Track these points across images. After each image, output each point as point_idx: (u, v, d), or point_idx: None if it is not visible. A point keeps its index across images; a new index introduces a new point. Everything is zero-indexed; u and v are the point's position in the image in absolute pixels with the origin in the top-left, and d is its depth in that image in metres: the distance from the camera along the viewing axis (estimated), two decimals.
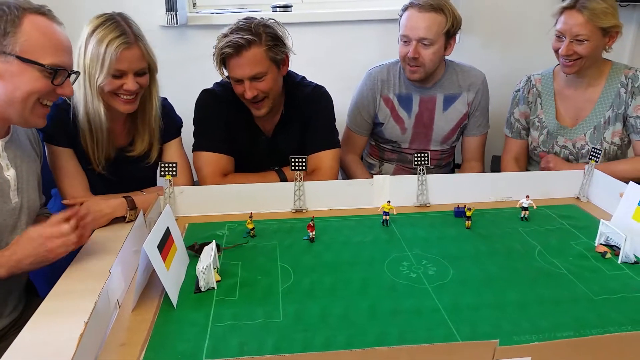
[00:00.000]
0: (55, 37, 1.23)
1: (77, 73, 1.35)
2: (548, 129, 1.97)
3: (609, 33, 1.79)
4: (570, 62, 1.82)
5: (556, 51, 1.85)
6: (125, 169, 1.64)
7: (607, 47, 1.83)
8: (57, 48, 1.23)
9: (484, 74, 2.04)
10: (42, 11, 1.23)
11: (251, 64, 1.60)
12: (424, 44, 1.85)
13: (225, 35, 1.62)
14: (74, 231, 1.22)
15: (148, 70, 1.53)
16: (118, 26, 1.45)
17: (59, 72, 1.23)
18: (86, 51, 1.45)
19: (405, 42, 1.88)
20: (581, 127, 1.92)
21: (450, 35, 1.89)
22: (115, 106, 1.52)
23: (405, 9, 1.89)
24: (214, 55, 1.65)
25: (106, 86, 1.47)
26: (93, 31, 1.45)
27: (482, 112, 2.06)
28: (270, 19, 1.68)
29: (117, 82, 1.47)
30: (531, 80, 2.02)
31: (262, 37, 1.61)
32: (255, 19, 1.65)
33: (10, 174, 1.30)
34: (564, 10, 1.81)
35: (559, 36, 1.82)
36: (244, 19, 1.65)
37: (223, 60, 1.64)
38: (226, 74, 1.69)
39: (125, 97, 1.50)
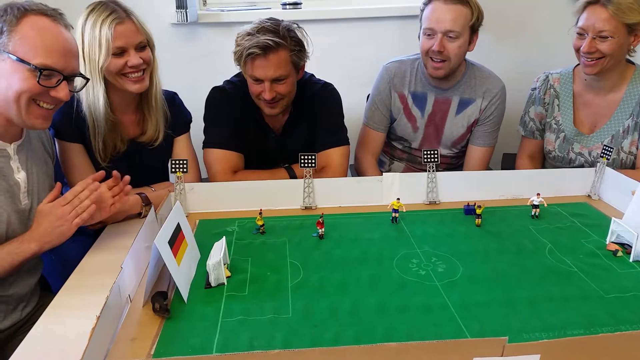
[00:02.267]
0: (52, 39, 1.21)
1: (87, 79, 1.36)
2: (565, 134, 1.91)
3: (634, 31, 1.71)
4: (592, 61, 1.73)
5: (577, 50, 1.77)
6: (137, 159, 1.65)
7: (631, 48, 1.75)
8: (51, 49, 1.21)
9: (503, 83, 1.96)
10: (47, 13, 1.23)
11: (275, 66, 1.60)
12: (450, 37, 1.78)
13: (250, 34, 1.60)
14: (87, 198, 1.28)
15: (149, 45, 1.55)
16: (107, 7, 1.48)
17: (50, 74, 1.21)
18: (83, 39, 1.48)
19: (429, 35, 1.82)
20: (598, 134, 1.86)
21: (474, 30, 1.84)
22: (126, 88, 1.52)
23: (429, 1, 1.83)
24: (236, 52, 1.64)
25: (111, 67, 1.48)
26: (86, 19, 1.48)
27: (493, 123, 1.97)
28: (294, 23, 1.68)
29: (120, 60, 1.48)
30: (549, 80, 1.94)
31: (288, 41, 1.61)
32: (280, 21, 1.65)
33: (20, 176, 1.32)
34: (587, 5, 1.73)
35: (581, 33, 1.74)
36: (269, 19, 1.64)
37: (246, 58, 1.62)
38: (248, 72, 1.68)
39: (133, 75, 1.51)
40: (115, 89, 1.54)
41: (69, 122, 1.54)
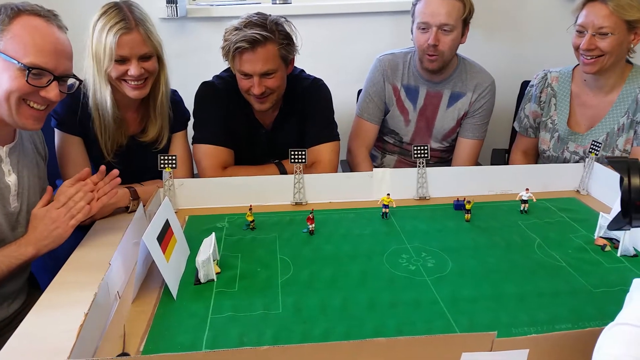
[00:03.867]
0: (43, 38, 1.21)
1: (80, 80, 1.35)
2: (559, 134, 1.90)
3: (634, 29, 1.70)
4: (592, 59, 1.71)
5: (577, 49, 1.75)
6: (137, 156, 1.65)
7: (631, 47, 1.74)
8: (41, 48, 1.20)
9: (493, 78, 1.98)
10: (41, 13, 1.22)
11: (263, 60, 1.60)
12: (445, 30, 1.81)
13: (237, 29, 1.60)
14: (81, 199, 1.28)
15: (156, 55, 1.54)
16: (119, 13, 1.47)
17: (40, 73, 1.20)
18: (92, 40, 1.49)
19: (423, 29, 1.84)
20: (593, 133, 1.85)
21: (466, 23, 1.87)
22: (125, 92, 1.53)
23: None
24: (223, 47, 1.64)
25: (112, 72, 1.49)
26: (97, 20, 1.48)
27: (481, 116, 2.00)
28: (282, 17, 1.67)
29: (122, 67, 1.49)
30: (547, 79, 1.93)
31: (276, 35, 1.61)
32: (268, 15, 1.64)
33: (11, 179, 1.31)
34: (586, 2, 1.72)
35: (581, 31, 1.72)
36: (256, 14, 1.63)
37: (234, 53, 1.62)
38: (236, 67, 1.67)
39: (132, 82, 1.51)
40: (118, 89, 1.55)
41: (73, 115, 1.54)
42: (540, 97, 1.95)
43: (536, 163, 2.06)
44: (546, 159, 1.98)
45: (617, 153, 1.83)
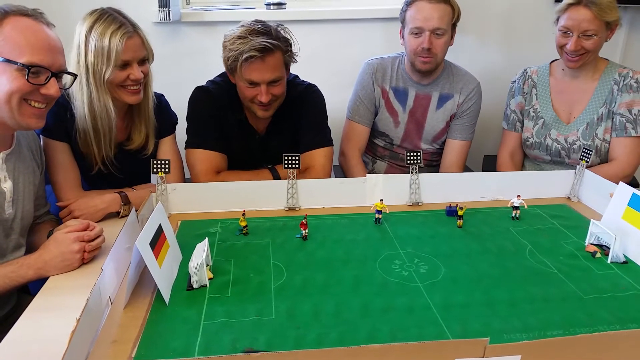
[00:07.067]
0: (35, 36, 1.21)
1: (74, 75, 1.35)
2: (544, 120, 1.98)
3: (611, 26, 1.84)
4: (577, 57, 1.85)
5: (561, 47, 1.88)
6: (125, 164, 1.64)
7: (607, 40, 1.88)
8: (36, 46, 1.21)
9: (478, 81, 2.04)
10: (28, 13, 1.23)
11: (272, 68, 1.61)
12: (437, 34, 1.88)
13: (241, 38, 1.58)
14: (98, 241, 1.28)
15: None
16: (115, 18, 1.47)
17: (38, 71, 1.21)
18: (87, 48, 1.46)
19: (416, 34, 1.90)
20: (574, 123, 1.95)
21: (454, 26, 1.95)
22: (123, 98, 1.53)
23: (411, 2, 1.91)
24: (229, 57, 1.61)
25: (113, 79, 1.48)
26: (91, 27, 1.46)
27: (469, 117, 2.05)
28: (279, 24, 1.67)
29: (123, 73, 1.48)
30: (527, 72, 2.05)
31: (281, 42, 1.62)
32: (267, 22, 1.64)
33: (7, 186, 1.30)
34: (569, 6, 1.83)
35: (565, 32, 1.84)
36: (255, 22, 1.63)
37: (242, 62, 1.59)
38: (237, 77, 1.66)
39: (132, 87, 1.51)
40: (114, 96, 1.54)
41: (59, 122, 1.53)
42: (523, 88, 2.05)
43: (523, 159, 2.12)
44: (529, 147, 2.03)
45: (597, 142, 1.92)
